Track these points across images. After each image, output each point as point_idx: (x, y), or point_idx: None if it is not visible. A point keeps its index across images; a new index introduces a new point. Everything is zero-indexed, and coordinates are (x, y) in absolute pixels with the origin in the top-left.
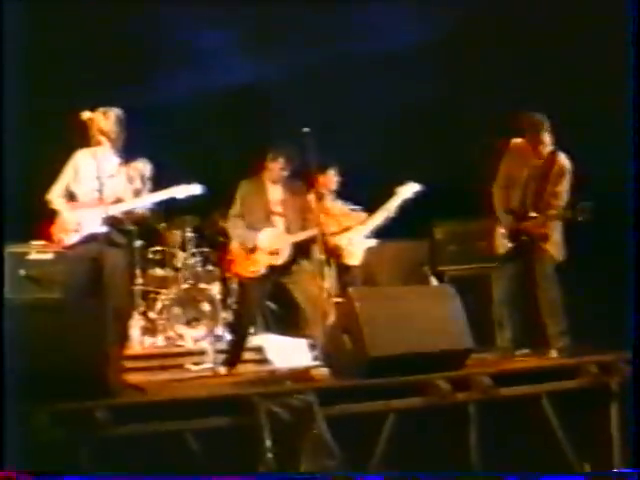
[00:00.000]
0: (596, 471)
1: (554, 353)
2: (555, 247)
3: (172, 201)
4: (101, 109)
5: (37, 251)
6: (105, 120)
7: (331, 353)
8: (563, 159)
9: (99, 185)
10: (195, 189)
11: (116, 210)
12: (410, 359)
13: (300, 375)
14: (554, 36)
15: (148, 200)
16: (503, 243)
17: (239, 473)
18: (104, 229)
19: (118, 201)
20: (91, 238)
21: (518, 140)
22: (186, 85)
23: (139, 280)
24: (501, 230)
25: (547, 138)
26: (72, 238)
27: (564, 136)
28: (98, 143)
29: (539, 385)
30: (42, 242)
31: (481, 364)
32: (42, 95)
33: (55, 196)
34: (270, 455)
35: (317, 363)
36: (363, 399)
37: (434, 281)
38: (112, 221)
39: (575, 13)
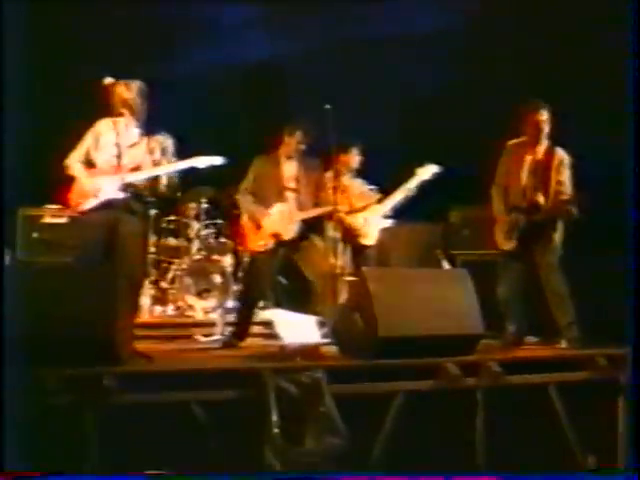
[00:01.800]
0: (601, 465)
1: (564, 343)
2: (561, 235)
3: (188, 172)
4: (123, 80)
5: (51, 215)
6: (127, 91)
7: (341, 331)
8: (562, 153)
9: (118, 153)
10: (216, 159)
11: (135, 177)
12: (420, 342)
13: (309, 352)
14: (571, 26)
15: (170, 169)
16: (506, 240)
17: (245, 463)
18: (122, 196)
19: (134, 170)
20: (108, 204)
21: (514, 140)
22: (206, 59)
23: (152, 249)
24: (503, 228)
25: (546, 132)
26: (89, 203)
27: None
28: (119, 114)
29: (548, 375)
30: (57, 206)
31: (490, 350)
32: (62, 63)
33: (73, 162)
34: (276, 430)
35: (326, 340)
36: (372, 379)
37: (446, 265)
38: (130, 188)
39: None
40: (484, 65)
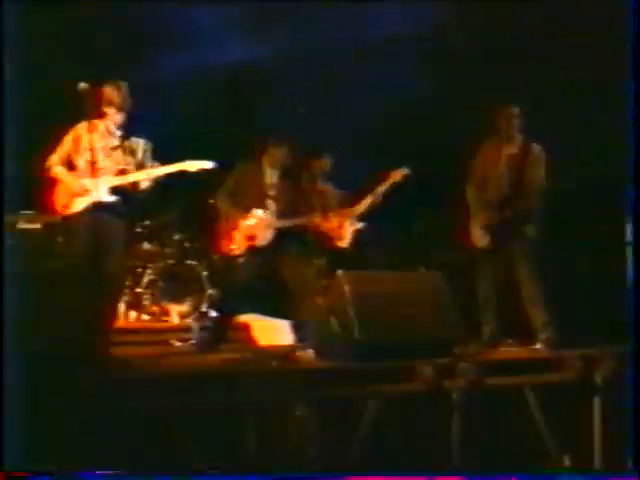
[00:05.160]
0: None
1: (539, 345)
2: (536, 232)
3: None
4: (111, 81)
5: (26, 221)
6: (115, 92)
7: (318, 335)
8: (536, 148)
9: (100, 155)
10: (207, 163)
11: (123, 181)
12: (397, 345)
13: (285, 356)
14: (552, 31)
15: (160, 172)
16: (481, 238)
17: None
18: (111, 198)
19: (121, 173)
20: (94, 207)
21: (490, 140)
22: (184, 63)
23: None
24: (478, 225)
25: (518, 129)
26: (75, 206)
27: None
28: (102, 115)
29: (523, 376)
30: (31, 212)
31: (466, 353)
32: (42, 70)
33: (54, 164)
34: (253, 434)
35: (301, 344)
36: (348, 383)
37: (421, 267)
38: (117, 192)
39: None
40: (457, 68)
